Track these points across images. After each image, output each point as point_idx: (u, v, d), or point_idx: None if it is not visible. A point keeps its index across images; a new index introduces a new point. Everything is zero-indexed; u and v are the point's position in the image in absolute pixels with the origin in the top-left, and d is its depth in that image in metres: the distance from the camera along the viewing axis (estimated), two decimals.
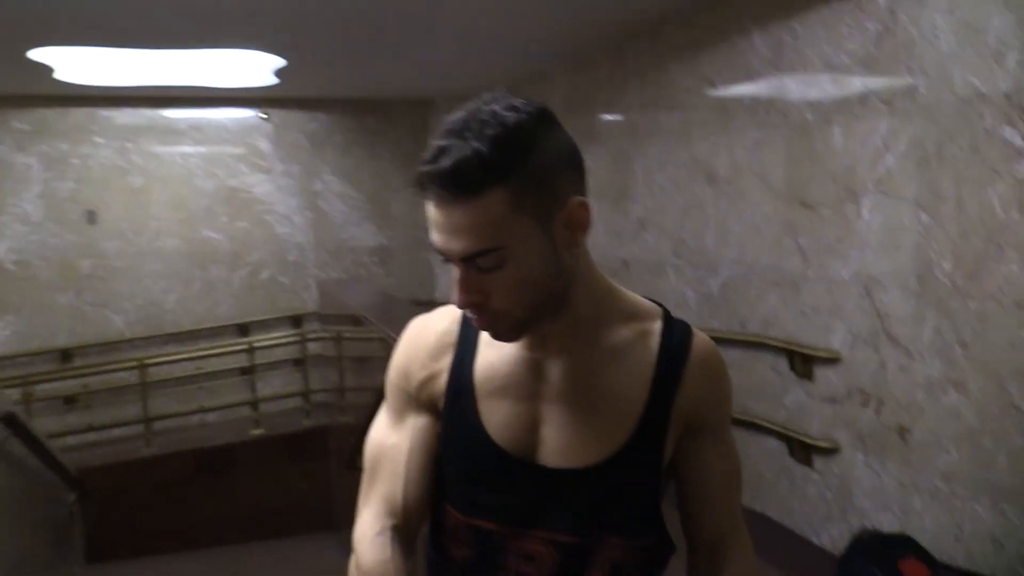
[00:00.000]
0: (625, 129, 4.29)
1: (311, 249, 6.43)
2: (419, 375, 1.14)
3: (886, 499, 2.79)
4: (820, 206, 2.99)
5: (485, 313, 0.98)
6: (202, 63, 4.67)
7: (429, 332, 1.16)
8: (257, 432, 5.74)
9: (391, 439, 1.15)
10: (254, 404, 5.96)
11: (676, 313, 1.13)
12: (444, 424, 1.13)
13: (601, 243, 4.44)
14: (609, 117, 4.44)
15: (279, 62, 4.65)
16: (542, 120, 0.95)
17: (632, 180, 4.20)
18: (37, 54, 4.24)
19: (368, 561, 1.08)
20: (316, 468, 5.49)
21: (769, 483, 3.35)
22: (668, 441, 1.07)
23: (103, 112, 5.87)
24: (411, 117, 6.56)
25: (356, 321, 5.24)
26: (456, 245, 0.93)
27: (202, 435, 5.77)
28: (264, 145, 6.29)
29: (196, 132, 6.12)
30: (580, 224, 0.99)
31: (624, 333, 1.08)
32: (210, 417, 5.99)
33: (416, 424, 1.14)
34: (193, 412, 5.95)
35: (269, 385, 6.17)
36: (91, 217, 5.90)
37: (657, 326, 1.09)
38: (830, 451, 3.01)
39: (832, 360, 2.97)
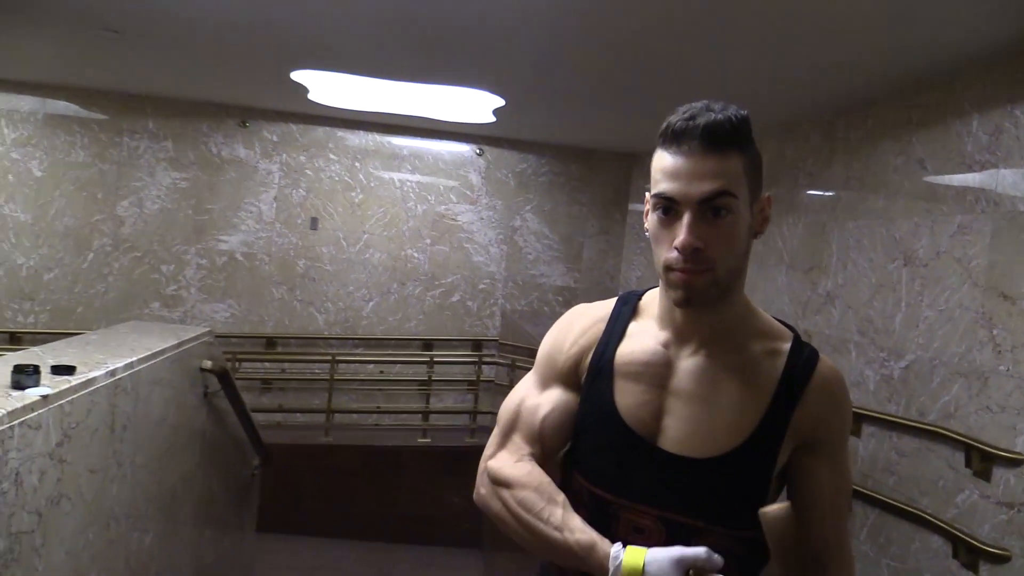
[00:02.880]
0: (826, 202, 4.23)
1: (501, 280, 6.75)
2: (571, 350, 1.29)
3: None
4: (1022, 300, 2.85)
5: (699, 260, 1.09)
6: (430, 97, 5.07)
7: (587, 316, 1.32)
8: (423, 441, 6.07)
9: (531, 400, 1.29)
10: (425, 415, 6.31)
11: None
12: (583, 397, 1.26)
13: (785, 311, 4.38)
14: (811, 188, 4.40)
15: (498, 101, 4.98)
16: None
17: (826, 253, 4.13)
18: (298, 75, 4.79)
19: (515, 474, 1.22)
20: (471, 485, 5.70)
21: None
22: (781, 452, 1.15)
23: (340, 132, 6.53)
24: (613, 169, 6.80)
25: (533, 353, 5.45)
26: (700, 188, 1.07)
27: (373, 434, 6.16)
28: (475, 178, 6.72)
29: (416, 159, 6.65)
30: (766, 216, 1.16)
31: (755, 348, 1.19)
32: (384, 420, 6.39)
33: (557, 395, 1.28)
34: (370, 412, 6.37)
35: (441, 400, 6.52)
36: (314, 224, 6.53)
37: (786, 347, 1.19)
38: (1000, 559, 2.80)
39: (1015, 462, 2.78)
